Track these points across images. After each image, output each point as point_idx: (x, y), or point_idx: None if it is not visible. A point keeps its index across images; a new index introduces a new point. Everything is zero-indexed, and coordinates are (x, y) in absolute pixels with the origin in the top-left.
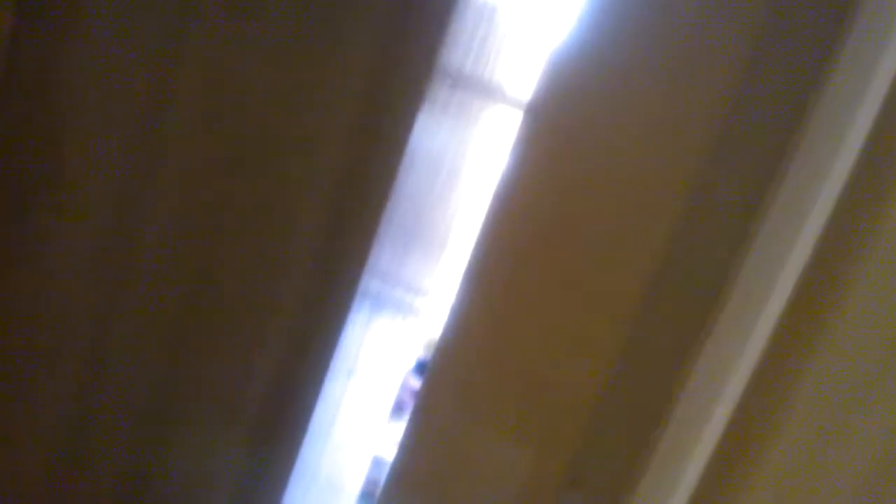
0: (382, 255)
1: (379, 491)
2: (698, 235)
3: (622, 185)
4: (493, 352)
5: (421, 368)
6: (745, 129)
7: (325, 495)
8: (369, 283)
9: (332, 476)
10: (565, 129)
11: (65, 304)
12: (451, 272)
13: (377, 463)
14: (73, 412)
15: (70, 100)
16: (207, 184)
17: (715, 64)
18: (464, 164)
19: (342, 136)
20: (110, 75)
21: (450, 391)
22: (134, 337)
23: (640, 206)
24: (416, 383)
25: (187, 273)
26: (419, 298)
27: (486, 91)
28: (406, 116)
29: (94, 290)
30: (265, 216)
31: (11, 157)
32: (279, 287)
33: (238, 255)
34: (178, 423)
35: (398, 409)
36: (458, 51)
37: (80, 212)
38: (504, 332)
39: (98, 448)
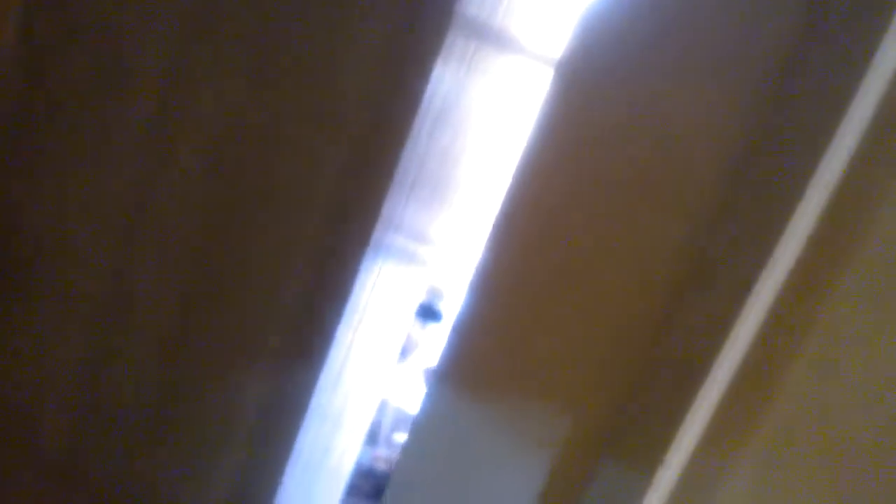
0: (395, 206)
1: (384, 431)
2: (741, 205)
3: (656, 151)
4: (525, 316)
5: (423, 312)
6: (788, 116)
7: (335, 434)
8: (382, 233)
9: (343, 417)
10: (597, 90)
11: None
12: (459, 222)
13: (383, 405)
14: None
15: (77, 93)
16: (226, 134)
17: (761, 40)
18: (476, 115)
19: (359, 88)
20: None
21: (479, 358)
22: (154, 287)
23: (676, 173)
24: (416, 327)
25: (205, 224)
26: (425, 247)
27: (500, 42)
28: (424, 67)
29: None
30: (281, 167)
31: (19, 150)
32: (294, 236)
33: (254, 205)
34: (197, 365)
35: (402, 353)
36: (476, 1)
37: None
38: (534, 294)
39: (120, 386)
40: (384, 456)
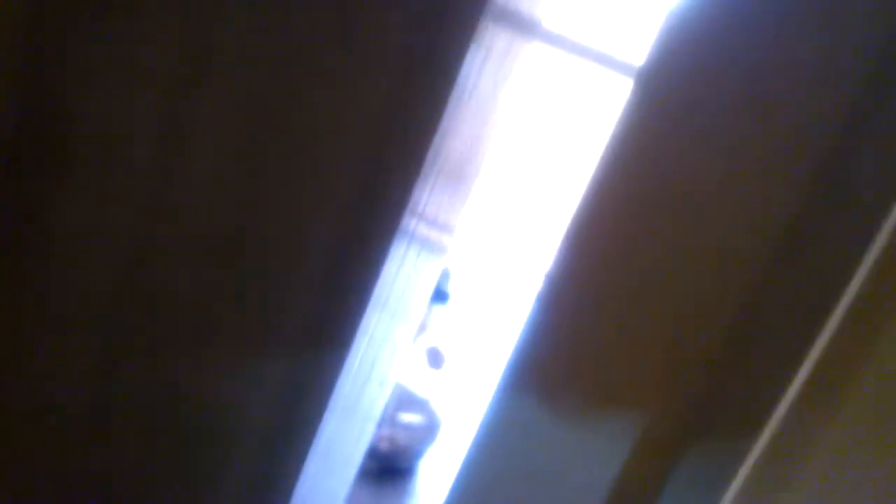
0: (420, 194)
1: (388, 411)
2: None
3: (742, 164)
4: (600, 319)
5: (436, 296)
6: (880, 124)
7: (353, 421)
8: (407, 221)
9: (360, 403)
10: (680, 101)
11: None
12: (477, 209)
13: (396, 389)
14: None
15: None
16: (251, 117)
17: (848, 56)
18: (504, 105)
19: (389, 72)
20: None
21: (561, 344)
22: (173, 274)
23: (761, 188)
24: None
25: (230, 205)
26: (446, 235)
27: (529, 29)
28: (455, 54)
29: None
30: (307, 153)
31: (29, 141)
32: (319, 223)
33: (279, 190)
34: (222, 346)
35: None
36: None
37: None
38: (609, 298)
39: (132, 362)
40: (387, 436)
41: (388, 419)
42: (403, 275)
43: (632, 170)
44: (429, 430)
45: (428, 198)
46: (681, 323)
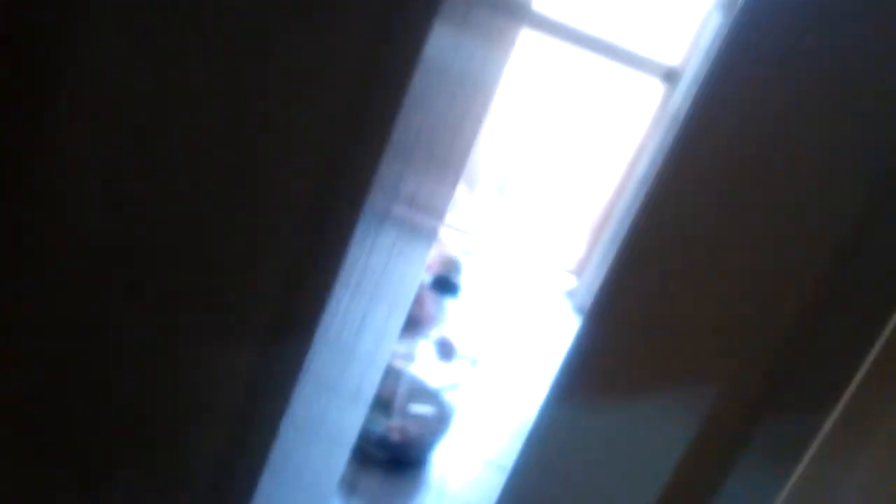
0: (392, 173)
1: (399, 402)
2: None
3: (802, 174)
4: (659, 314)
5: (440, 285)
6: None
7: (331, 402)
8: (391, 206)
9: (340, 385)
10: (743, 108)
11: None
12: (475, 199)
13: (398, 376)
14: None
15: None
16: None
17: None
18: (477, 82)
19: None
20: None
21: (622, 327)
22: (133, 259)
23: (827, 180)
24: (433, 300)
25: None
26: (431, 219)
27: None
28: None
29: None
30: (267, 130)
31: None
32: (281, 201)
33: (239, 169)
34: (184, 327)
35: (419, 326)
36: None
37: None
38: (668, 295)
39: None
40: (398, 426)
41: (399, 410)
42: (379, 256)
43: (691, 174)
44: (440, 420)
45: (406, 179)
46: (744, 306)
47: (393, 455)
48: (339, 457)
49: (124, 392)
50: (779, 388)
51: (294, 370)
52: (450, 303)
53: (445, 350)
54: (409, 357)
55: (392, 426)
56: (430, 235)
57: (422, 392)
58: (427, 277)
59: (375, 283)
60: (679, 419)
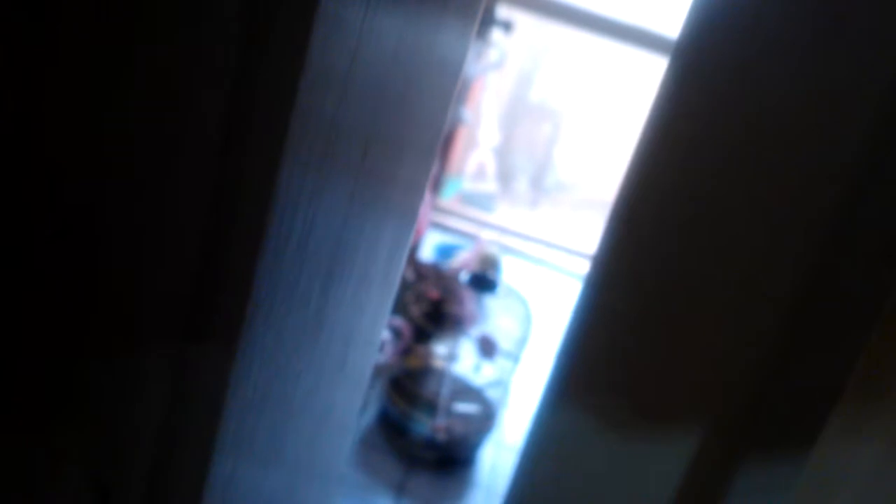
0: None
1: (443, 402)
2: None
3: (789, 148)
4: (647, 317)
5: (477, 283)
6: None
7: (314, 381)
8: (322, 159)
9: (324, 362)
10: (722, 78)
11: None
12: (510, 196)
13: (441, 376)
14: None
15: None
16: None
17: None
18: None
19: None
20: None
21: (606, 352)
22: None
23: (807, 177)
24: (471, 298)
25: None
26: (410, 197)
27: None
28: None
29: None
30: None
31: None
32: (187, 154)
33: (142, 119)
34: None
35: (454, 323)
36: None
37: None
38: (655, 292)
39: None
40: (444, 426)
41: (444, 410)
42: (325, 227)
43: (670, 159)
44: (486, 418)
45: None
46: (731, 321)
47: (441, 455)
48: (344, 439)
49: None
50: (766, 413)
51: (229, 349)
52: (489, 300)
53: (487, 347)
54: (451, 357)
55: (438, 427)
56: (408, 213)
57: (466, 391)
58: (465, 275)
59: (330, 257)
60: (668, 454)
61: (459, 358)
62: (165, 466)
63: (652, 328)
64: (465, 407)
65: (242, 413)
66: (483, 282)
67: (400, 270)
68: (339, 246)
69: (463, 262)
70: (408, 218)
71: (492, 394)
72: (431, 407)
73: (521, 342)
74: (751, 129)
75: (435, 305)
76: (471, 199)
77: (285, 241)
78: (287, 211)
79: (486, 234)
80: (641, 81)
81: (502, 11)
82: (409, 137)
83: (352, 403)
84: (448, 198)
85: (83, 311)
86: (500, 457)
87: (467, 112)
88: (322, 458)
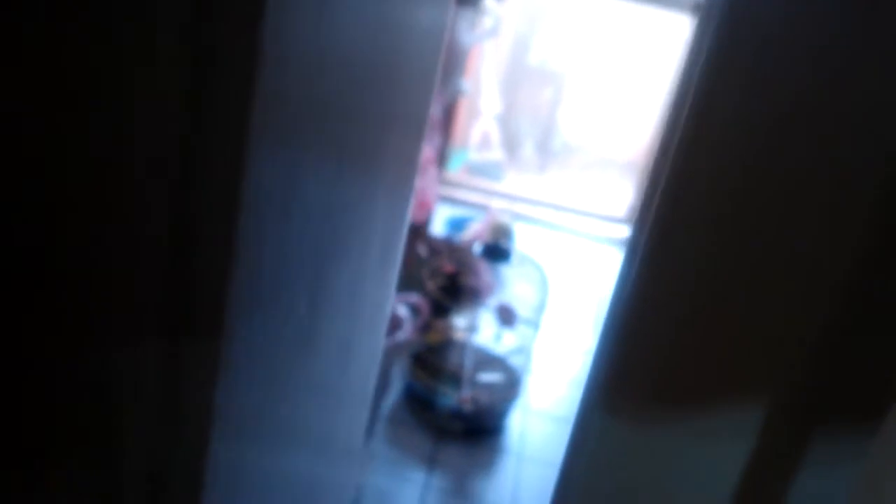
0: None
1: (467, 373)
2: None
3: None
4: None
5: (490, 253)
6: None
7: (321, 356)
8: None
9: (324, 338)
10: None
11: None
12: (518, 163)
13: (463, 348)
14: None
15: None
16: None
17: None
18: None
19: None
20: None
21: (650, 346)
22: None
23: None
24: (486, 269)
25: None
26: (402, 169)
27: None
28: None
29: None
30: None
31: None
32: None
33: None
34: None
35: (472, 294)
36: None
37: None
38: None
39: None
40: (469, 397)
41: (468, 381)
42: (310, 207)
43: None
44: (511, 386)
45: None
46: (782, 303)
47: (469, 425)
48: (360, 413)
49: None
50: (829, 390)
51: (218, 315)
52: (504, 269)
53: (506, 316)
54: (471, 328)
55: (464, 398)
56: (395, 183)
57: (488, 360)
58: (478, 247)
59: (320, 234)
60: (726, 446)
61: (479, 329)
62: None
63: (702, 318)
64: (489, 376)
65: (236, 402)
66: (496, 252)
67: (401, 243)
68: (330, 226)
69: (475, 233)
70: (402, 190)
71: (515, 361)
72: (456, 379)
73: (540, 308)
74: (804, 102)
75: (451, 279)
76: (478, 170)
77: (263, 224)
78: (261, 191)
79: (496, 204)
80: (639, 35)
81: None
82: (394, 110)
83: (363, 383)
84: (455, 170)
85: (38, 310)
86: (527, 422)
87: (466, 82)
88: (337, 436)
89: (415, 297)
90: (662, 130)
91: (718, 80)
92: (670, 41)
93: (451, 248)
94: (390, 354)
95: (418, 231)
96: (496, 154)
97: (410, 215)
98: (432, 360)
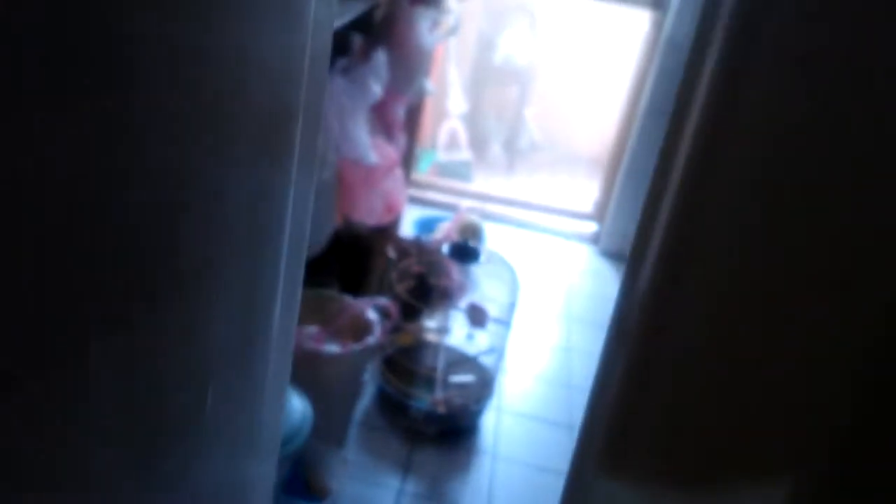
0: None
1: (440, 375)
2: None
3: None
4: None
5: (458, 252)
6: None
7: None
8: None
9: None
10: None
11: None
12: (485, 162)
13: (437, 350)
14: None
15: None
16: None
17: None
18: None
19: None
20: None
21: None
22: None
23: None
24: (455, 268)
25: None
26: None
27: None
28: None
29: None
30: None
31: None
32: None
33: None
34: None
35: (443, 296)
36: None
37: None
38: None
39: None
40: (442, 399)
41: (441, 383)
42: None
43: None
44: (483, 386)
45: None
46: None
47: (443, 427)
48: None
49: None
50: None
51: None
52: (474, 269)
53: (477, 316)
54: (442, 330)
55: (437, 400)
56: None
57: (461, 361)
58: (446, 247)
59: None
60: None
61: (451, 330)
62: None
63: (725, 360)
64: (462, 377)
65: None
66: (465, 251)
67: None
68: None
69: (445, 234)
70: (272, 193)
71: (487, 361)
72: (429, 381)
73: (511, 307)
74: (824, 109)
75: (420, 280)
76: (447, 170)
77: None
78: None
79: (465, 204)
80: (602, 31)
81: None
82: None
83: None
84: (424, 171)
85: None
86: (501, 422)
87: (431, 83)
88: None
89: (383, 301)
90: (620, 125)
91: (733, 89)
92: (629, 36)
93: (419, 249)
94: (361, 359)
95: (387, 233)
96: (464, 154)
97: (377, 218)
98: (404, 362)
